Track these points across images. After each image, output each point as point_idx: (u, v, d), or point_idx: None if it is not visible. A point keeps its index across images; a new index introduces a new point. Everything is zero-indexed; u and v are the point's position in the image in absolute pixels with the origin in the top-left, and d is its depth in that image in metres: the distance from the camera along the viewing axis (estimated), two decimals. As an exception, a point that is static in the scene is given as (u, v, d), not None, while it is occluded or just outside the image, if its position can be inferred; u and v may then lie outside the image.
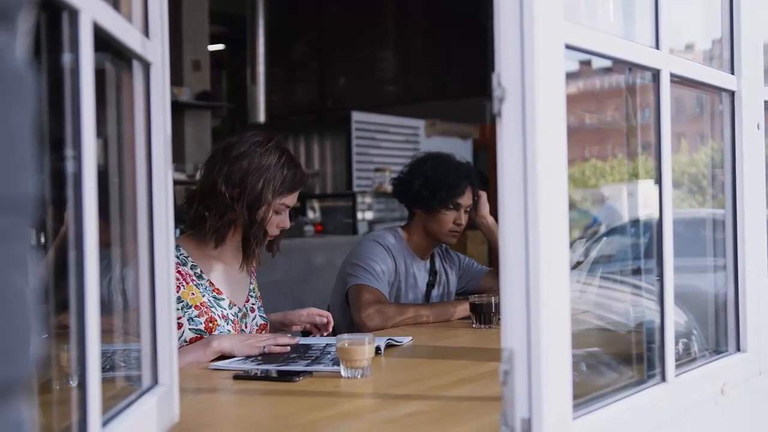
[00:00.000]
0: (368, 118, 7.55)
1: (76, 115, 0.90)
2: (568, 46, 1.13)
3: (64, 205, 0.92)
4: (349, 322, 2.64)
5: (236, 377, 1.76)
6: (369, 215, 6.96)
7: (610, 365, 1.51)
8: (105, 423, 0.99)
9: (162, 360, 1.28)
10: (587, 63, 1.37)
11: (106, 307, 1.20)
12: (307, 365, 1.82)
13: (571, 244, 1.13)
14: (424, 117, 7.85)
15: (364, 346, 1.71)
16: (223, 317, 2.12)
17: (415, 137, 7.74)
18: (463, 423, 1.38)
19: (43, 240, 1.29)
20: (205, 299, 2.10)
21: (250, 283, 2.27)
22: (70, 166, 0.90)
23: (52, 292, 1.00)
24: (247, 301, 2.24)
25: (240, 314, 2.18)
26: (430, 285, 2.84)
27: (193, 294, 2.09)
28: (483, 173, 3.00)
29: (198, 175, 3.13)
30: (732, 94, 1.68)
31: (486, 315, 2.44)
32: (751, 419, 1.76)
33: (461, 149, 7.26)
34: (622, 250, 1.99)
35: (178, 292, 2.04)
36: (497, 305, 2.39)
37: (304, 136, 7.90)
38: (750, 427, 1.75)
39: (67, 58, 0.91)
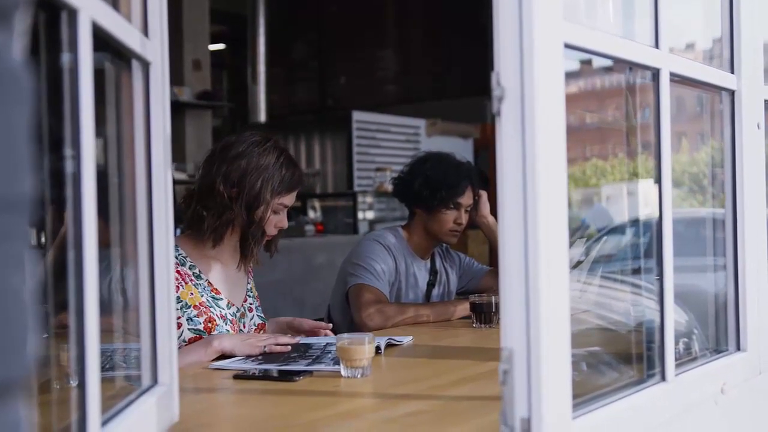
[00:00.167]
0: (369, 118, 7.55)
1: (75, 115, 0.90)
2: (567, 46, 1.13)
3: (63, 205, 0.92)
4: (349, 321, 2.64)
5: (236, 377, 1.76)
6: (370, 215, 6.96)
7: (610, 365, 1.51)
8: (104, 423, 0.99)
9: (162, 360, 1.28)
10: (588, 62, 1.37)
11: (106, 307, 1.20)
12: (308, 365, 1.82)
13: (570, 244, 1.13)
14: (424, 116, 7.84)
15: (364, 346, 1.71)
16: (221, 317, 2.12)
17: (415, 137, 7.74)
18: (463, 423, 1.38)
19: (43, 240, 1.29)
20: (203, 299, 2.10)
21: (248, 283, 2.27)
22: (69, 166, 0.90)
23: (52, 292, 1.00)
24: (245, 300, 2.24)
25: (238, 314, 2.18)
26: (431, 284, 2.84)
27: (192, 294, 2.09)
28: (483, 173, 3.01)
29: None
30: (732, 93, 1.68)
31: (486, 314, 2.43)
32: (751, 419, 1.76)
33: (462, 149, 7.25)
34: (622, 249, 1.99)
35: (177, 291, 2.04)
36: (497, 305, 2.38)
37: (304, 135, 7.90)
38: (750, 427, 1.75)
39: (66, 57, 0.91)
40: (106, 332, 1.13)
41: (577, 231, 1.74)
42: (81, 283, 0.90)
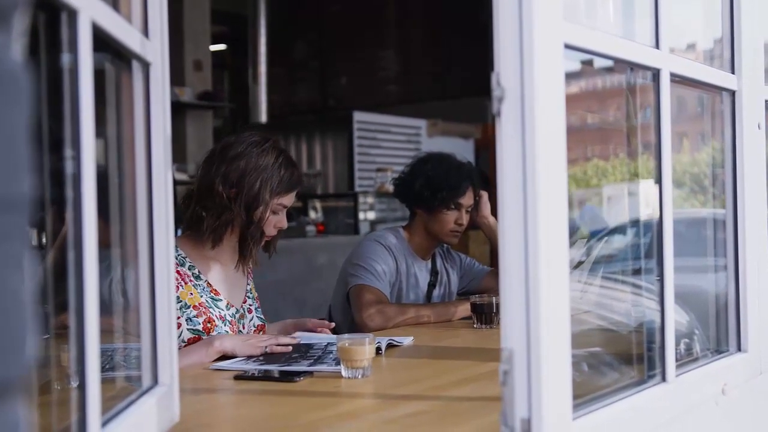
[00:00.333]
0: (370, 118, 7.56)
1: (76, 116, 0.90)
2: (567, 46, 1.13)
3: (64, 206, 0.92)
4: (350, 322, 2.64)
5: (236, 377, 1.76)
6: (371, 215, 6.96)
7: (610, 365, 1.51)
8: (104, 423, 0.99)
9: (162, 360, 1.28)
10: (589, 63, 1.37)
11: (107, 308, 1.20)
12: (310, 365, 1.82)
13: (571, 245, 1.13)
14: (425, 117, 7.84)
15: (364, 347, 1.71)
16: (220, 318, 2.12)
17: (416, 137, 7.74)
18: (463, 423, 1.38)
19: (44, 241, 1.29)
20: (203, 300, 2.10)
21: (247, 284, 2.27)
22: (69, 167, 0.90)
23: (53, 293, 1.00)
24: (245, 301, 2.24)
25: (237, 315, 2.18)
26: (432, 285, 2.84)
27: (191, 294, 2.09)
28: (484, 173, 3.01)
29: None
30: (732, 93, 1.68)
31: (487, 315, 2.43)
32: (752, 420, 1.75)
33: (463, 149, 7.25)
34: (623, 250, 1.99)
35: (176, 291, 2.04)
36: (498, 305, 2.38)
37: (305, 135, 7.90)
38: (751, 428, 1.75)
39: (66, 58, 0.91)
40: (106, 333, 1.13)
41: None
42: (81, 284, 0.90)
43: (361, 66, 9.60)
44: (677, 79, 1.46)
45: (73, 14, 0.89)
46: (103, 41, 1.01)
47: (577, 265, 1.89)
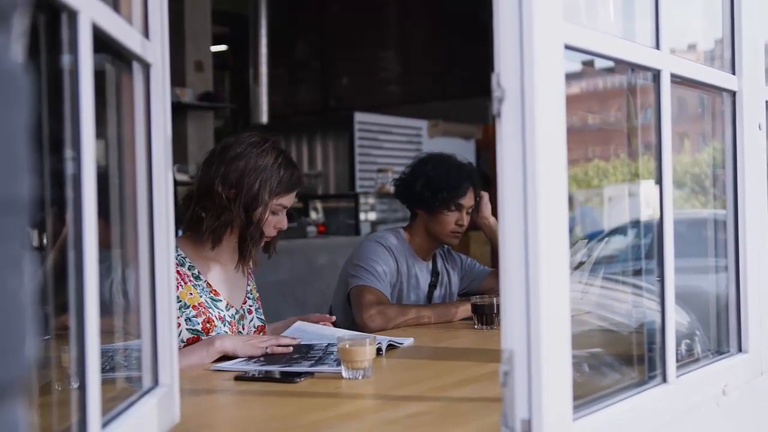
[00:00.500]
0: (371, 119, 7.56)
1: (76, 117, 0.90)
2: (567, 47, 1.13)
3: (64, 207, 0.92)
4: (350, 322, 2.64)
5: (237, 378, 1.76)
6: (372, 216, 6.96)
7: (611, 366, 1.51)
8: (105, 424, 0.99)
9: (162, 361, 1.28)
10: (590, 63, 1.37)
11: (107, 309, 1.20)
12: (311, 366, 1.82)
13: (572, 245, 1.13)
14: (426, 117, 7.84)
15: (365, 347, 1.71)
16: (220, 318, 2.11)
17: (417, 138, 7.74)
18: (464, 424, 1.38)
19: (44, 241, 1.29)
20: (202, 300, 2.10)
21: (248, 285, 2.27)
22: (69, 168, 0.90)
23: (53, 294, 1.00)
24: (245, 302, 2.24)
25: (237, 316, 2.18)
26: (432, 286, 2.84)
27: (191, 294, 2.09)
28: (485, 174, 3.00)
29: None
30: (733, 94, 1.68)
31: (488, 316, 2.43)
32: (753, 420, 1.75)
33: (464, 149, 7.25)
34: (624, 250, 1.99)
35: (176, 291, 2.03)
36: (499, 306, 2.38)
37: (306, 136, 7.90)
38: (752, 429, 1.75)
39: (66, 59, 0.91)
40: (107, 333, 1.13)
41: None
42: (81, 285, 0.90)
43: (361, 66, 9.60)
44: (678, 80, 1.46)
45: (73, 15, 0.89)
46: (103, 42, 1.01)
47: (577, 266, 1.90)
